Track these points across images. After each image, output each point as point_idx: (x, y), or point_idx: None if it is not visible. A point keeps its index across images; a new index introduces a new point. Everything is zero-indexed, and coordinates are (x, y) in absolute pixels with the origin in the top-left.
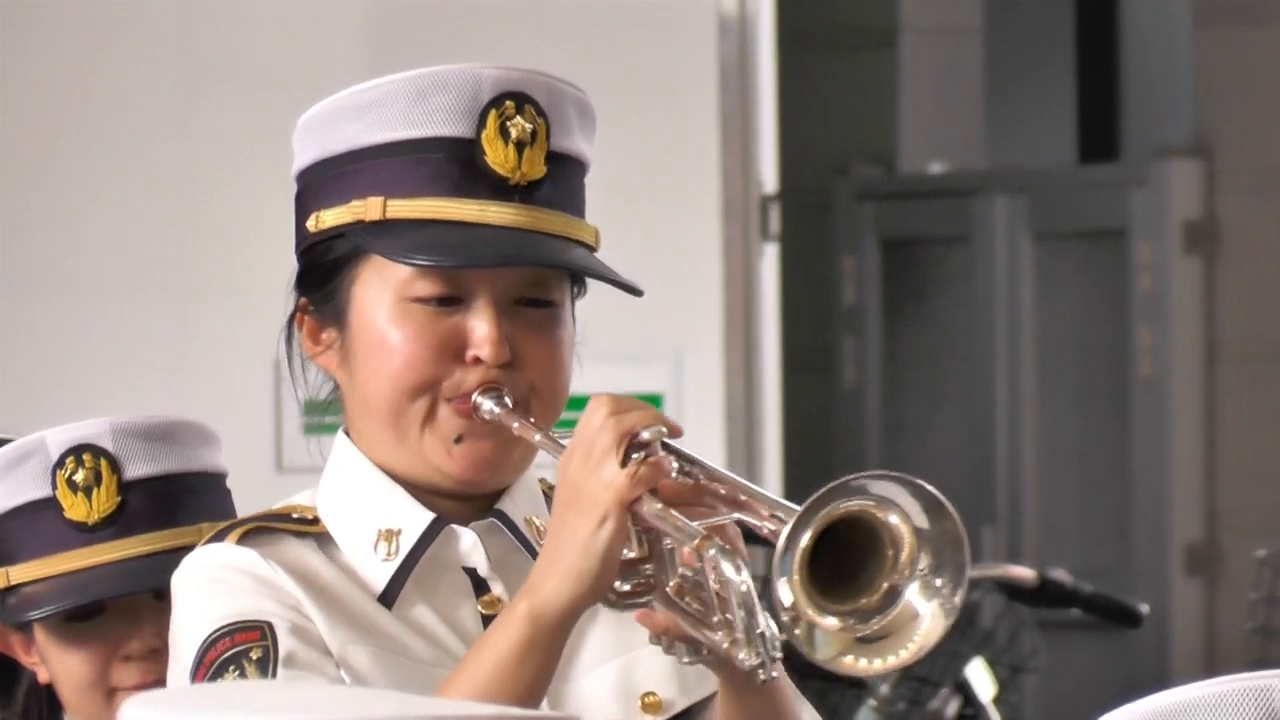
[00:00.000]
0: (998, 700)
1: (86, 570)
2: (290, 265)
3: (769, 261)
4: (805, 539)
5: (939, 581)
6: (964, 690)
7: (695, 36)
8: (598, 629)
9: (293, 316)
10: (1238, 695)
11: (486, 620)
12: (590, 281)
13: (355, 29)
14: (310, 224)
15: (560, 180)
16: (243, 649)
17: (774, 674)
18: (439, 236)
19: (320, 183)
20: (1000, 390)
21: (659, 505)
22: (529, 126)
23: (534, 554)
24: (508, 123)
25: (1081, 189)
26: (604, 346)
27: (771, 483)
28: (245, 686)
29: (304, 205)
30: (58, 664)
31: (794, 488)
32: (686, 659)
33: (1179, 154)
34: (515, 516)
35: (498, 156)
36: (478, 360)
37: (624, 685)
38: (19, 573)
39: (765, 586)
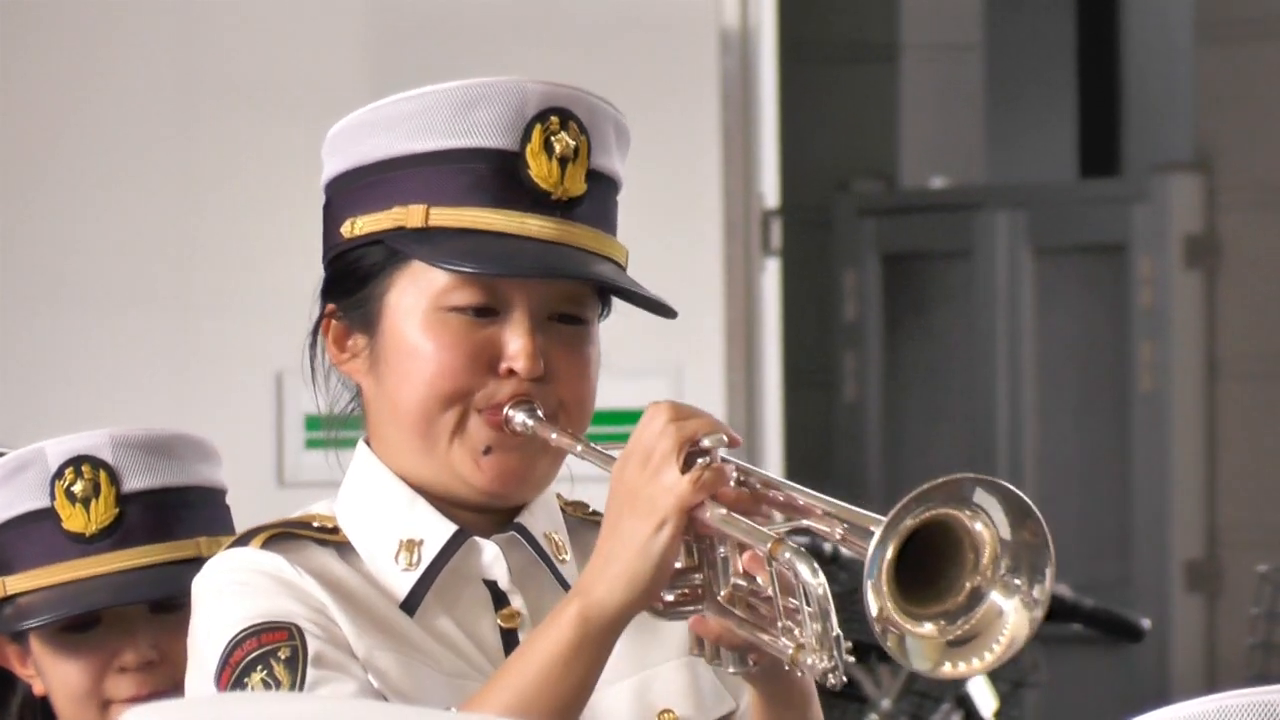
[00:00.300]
0: (999, 715)
1: (83, 581)
2: (290, 278)
3: (770, 276)
4: (891, 548)
5: (1019, 580)
6: (965, 705)
7: (696, 51)
8: (620, 643)
9: (319, 323)
10: (1242, 710)
11: (505, 633)
12: None
13: (356, 42)
14: (345, 229)
15: (598, 198)
16: (270, 649)
17: (843, 678)
18: (480, 246)
19: (357, 189)
20: (1001, 405)
21: (723, 510)
22: (572, 143)
23: (553, 568)
24: (552, 138)
25: (1082, 204)
26: (605, 361)
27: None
28: (248, 700)
29: (336, 212)
30: (53, 675)
31: None
32: (732, 669)
33: (1180, 169)
34: (535, 531)
35: (541, 170)
36: (511, 372)
37: (641, 701)
38: (16, 583)
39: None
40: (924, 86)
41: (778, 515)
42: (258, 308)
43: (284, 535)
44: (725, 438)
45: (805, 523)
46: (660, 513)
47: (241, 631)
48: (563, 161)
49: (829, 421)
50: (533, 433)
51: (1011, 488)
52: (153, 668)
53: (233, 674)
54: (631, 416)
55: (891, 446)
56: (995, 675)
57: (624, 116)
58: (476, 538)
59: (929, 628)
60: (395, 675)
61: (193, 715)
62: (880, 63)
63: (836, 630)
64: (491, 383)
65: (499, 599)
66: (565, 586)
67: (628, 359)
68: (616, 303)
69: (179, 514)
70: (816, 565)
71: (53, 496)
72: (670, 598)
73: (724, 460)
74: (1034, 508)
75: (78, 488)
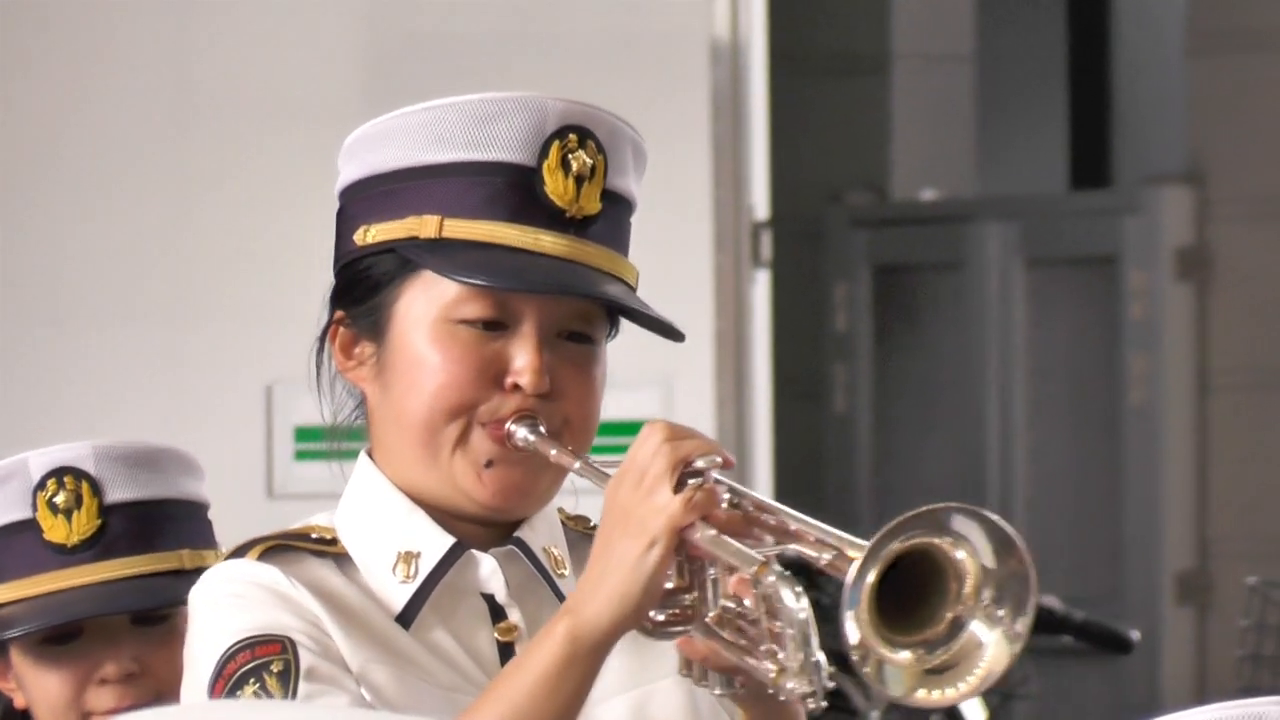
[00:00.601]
0: None
1: (64, 592)
2: (282, 290)
3: (761, 288)
4: (873, 574)
5: (1001, 611)
6: (955, 717)
7: (687, 63)
8: (614, 660)
9: (326, 330)
10: None
11: (502, 647)
12: None
13: (350, 59)
14: (358, 237)
15: (612, 218)
16: (263, 662)
17: (823, 704)
18: (493, 259)
19: (371, 198)
20: (992, 417)
21: (713, 532)
22: (589, 161)
23: (551, 583)
24: (569, 155)
25: (1073, 216)
26: None
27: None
28: (228, 707)
29: (349, 219)
30: (34, 686)
31: None
32: (718, 690)
33: (1171, 181)
34: (534, 545)
35: (557, 187)
36: (516, 387)
37: (639, 717)
38: None
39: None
40: (915, 98)
41: (769, 538)
42: (248, 319)
43: (281, 547)
44: (719, 459)
45: (794, 547)
46: (651, 533)
47: (235, 644)
48: (579, 180)
49: (819, 433)
50: (534, 448)
51: (995, 518)
52: (134, 680)
53: (226, 686)
54: (621, 428)
55: (882, 458)
56: None
57: (643, 138)
58: (474, 551)
59: (907, 655)
60: (389, 689)
61: None
62: (871, 74)
63: (817, 656)
64: (496, 397)
65: (496, 612)
66: (563, 600)
67: (618, 370)
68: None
69: (161, 526)
70: (800, 590)
71: (34, 507)
72: (661, 617)
73: (717, 481)
74: (1018, 539)
75: (60, 499)
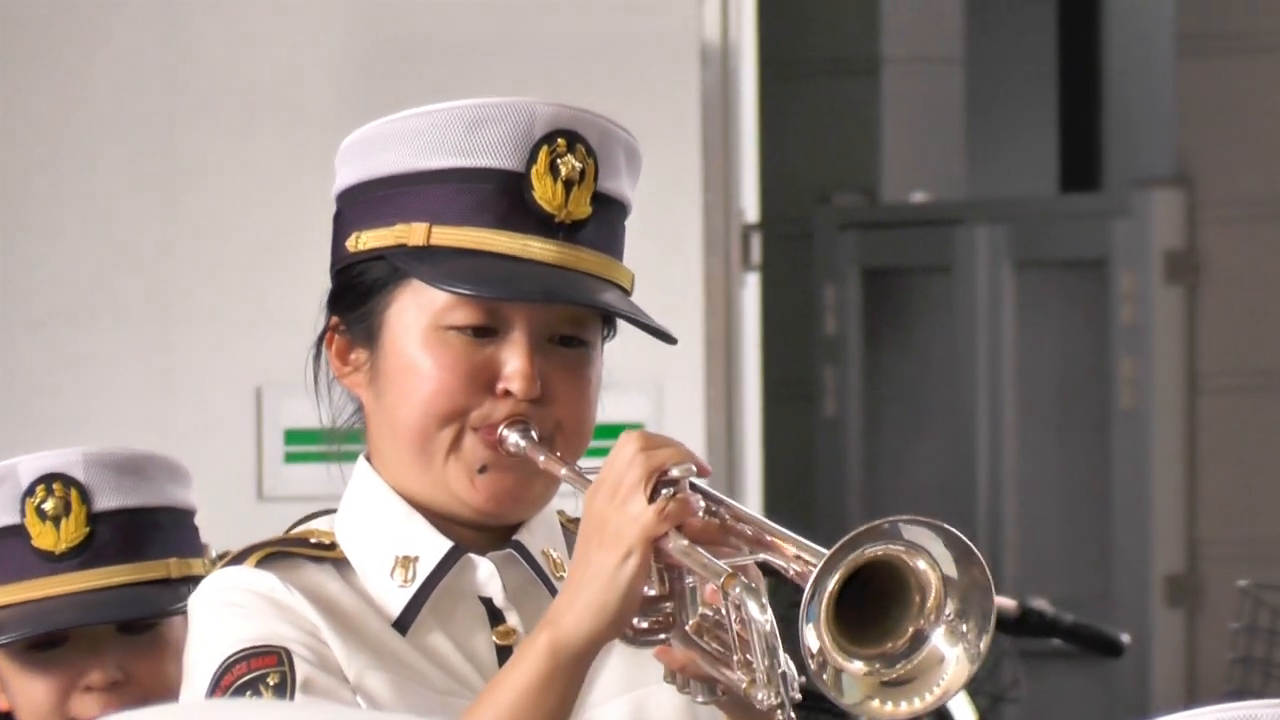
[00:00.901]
0: None
1: (51, 599)
2: (270, 292)
3: (750, 291)
4: (832, 583)
5: (965, 627)
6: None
7: (677, 66)
8: (612, 662)
9: (323, 335)
10: None
11: (501, 650)
12: None
13: (338, 61)
14: (350, 243)
15: (603, 221)
16: (259, 674)
17: (791, 715)
18: (481, 267)
19: (363, 203)
20: (981, 420)
21: (685, 542)
22: (578, 166)
23: (550, 586)
24: (558, 160)
25: (1063, 219)
26: None
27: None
28: (223, 707)
29: (343, 225)
30: (18, 692)
31: (775, 517)
32: (701, 698)
33: (1161, 184)
34: (532, 548)
35: (545, 193)
36: (507, 393)
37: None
38: None
39: (786, 626)
40: (905, 101)
41: (746, 547)
42: (238, 321)
43: (278, 554)
44: (694, 468)
45: (763, 556)
46: (626, 543)
47: (232, 655)
48: (568, 184)
49: (809, 436)
50: (524, 454)
51: (953, 530)
52: (119, 688)
53: (223, 697)
54: (611, 431)
55: (871, 461)
56: (974, 690)
57: (636, 139)
58: (472, 555)
59: (864, 666)
60: (386, 696)
61: None
62: (861, 77)
63: (784, 667)
64: (488, 402)
65: (495, 616)
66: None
67: (607, 373)
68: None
69: (149, 534)
70: (765, 602)
71: (23, 513)
72: (643, 624)
73: (696, 490)
74: (976, 550)
75: (48, 505)
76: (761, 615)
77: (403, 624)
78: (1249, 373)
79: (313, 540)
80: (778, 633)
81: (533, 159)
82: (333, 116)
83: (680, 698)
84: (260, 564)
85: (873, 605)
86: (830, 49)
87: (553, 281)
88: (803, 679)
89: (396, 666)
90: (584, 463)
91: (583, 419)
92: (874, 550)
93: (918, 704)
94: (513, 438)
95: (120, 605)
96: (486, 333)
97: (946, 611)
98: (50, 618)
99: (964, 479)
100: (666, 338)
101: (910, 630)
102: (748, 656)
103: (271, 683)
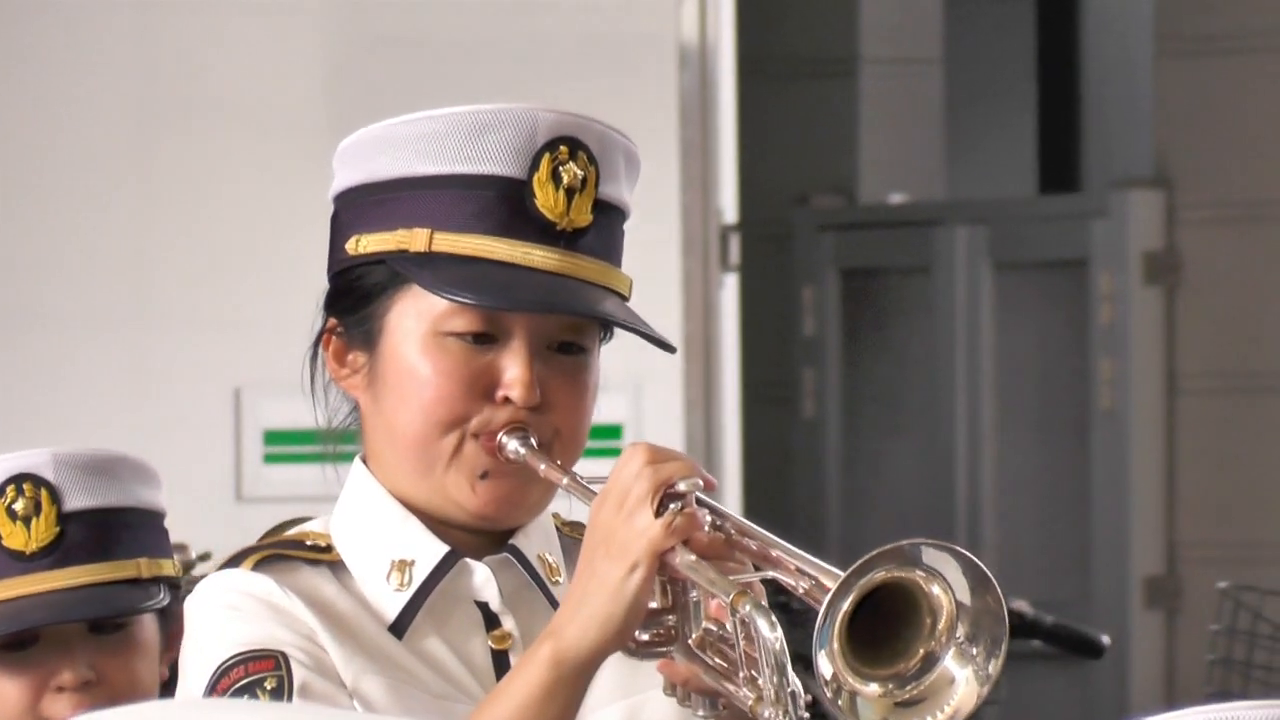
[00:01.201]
0: None
1: (21, 599)
2: (249, 293)
3: (729, 292)
4: (846, 606)
5: (975, 650)
6: None
7: (655, 67)
8: (608, 669)
9: (320, 337)
10: None
11: (496, 655)
12: None
13: (317, 64)
14: (350, 246)
15: (604, 228)
16: (256, 678)
17: None
18: (482, 274)
19: (363, 206)
20: (960, 421)
21: (691, 557)
22: (580, 173)
23: (546, 590)
24: (560, 167)
25: (1042, 220)
26: None
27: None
28: (211, 706)
29: (342, 227)
30: None
31: (754, 518)
32: (701, 713)
33: (1139, 185)
34: (529, 552)
35: (547, 201)
36: (507, 400)
37: None
38: None
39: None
40: (883, 101)
41: (751, 563)
42: (217, 323)
43: (275, 557)
44: (701, 482)
45: (772, 574)
46: (632, 556)
47: (229, 659)
48: (569, 192)
49: (788, 437)
50: (524, 461)
51: (970, 555)
52: (90, 688)
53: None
54: (593, 432)
55: (850, 462)
56: None
57: (635, 145)
58: (468, 559)
59: (878, 688)
60: (382, 700)
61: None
62: (839, 78)
63: (792, 686)
64: (488, 409)
65: (490, 620)
66: (558, 607)
67: None
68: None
69: (118, 534)
70: (775, 620)
71: None
72: (645, 637)
73: (702, 504)
74: (991, 576)
75: (19, 505)
76: (771, 633)
77: (399, 628)
78: (1228, 374)
79: (309, 543)
80: (787, 650)
81: (534, 166)
82: (309, 119)
83: (677, 706)
84: (257, 567)
85: (884, 624)
86: (808, 50)
87: (552, 290)
88: (809, 697)
89: (392, 670)
90: (584, 470)
91: (579, 426)
92: (887, 574)
93: None
94: (512, 445)
95: (91, 604)
96: (486, 339)
97: (958, 635)
98: (21, 617)
99: (943, 480)
100: (665, 346)
101: (921, 652)
102: (754, 673)
103: (269, 687)
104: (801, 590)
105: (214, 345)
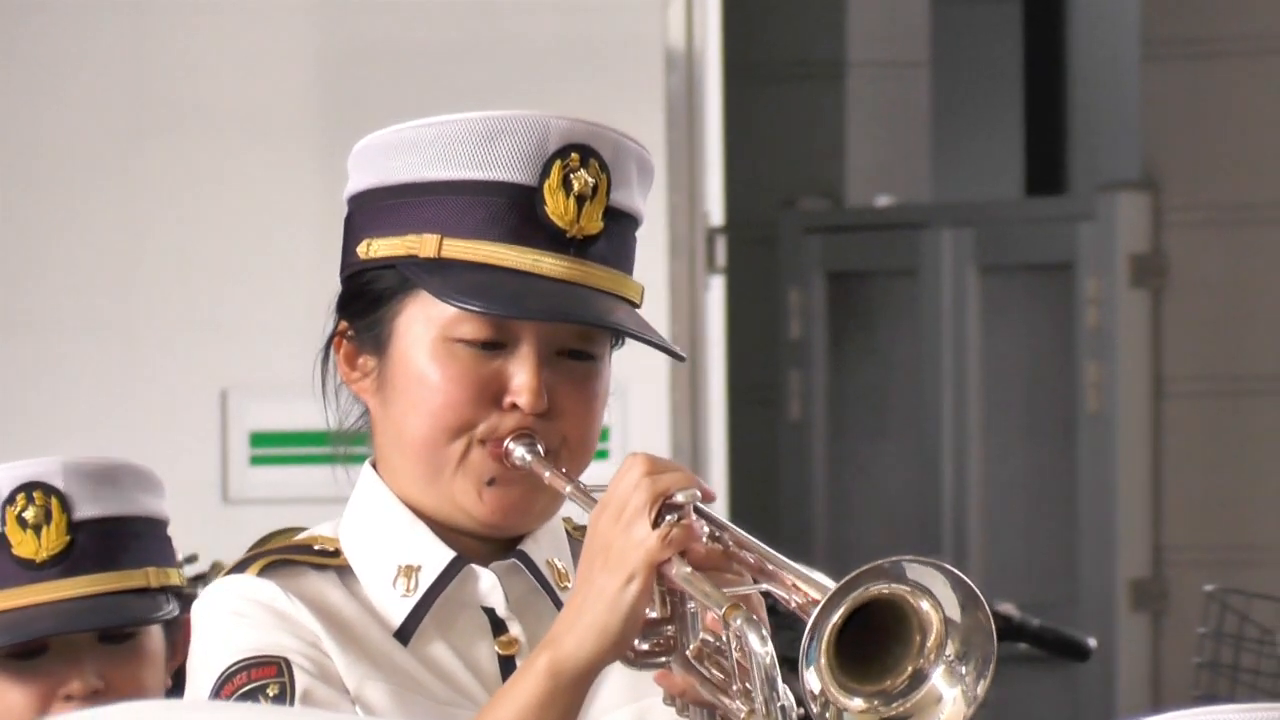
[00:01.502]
0: None
1: (30, 608)
2: (236, 296)
3: (715, 294)
4: (833, 622)
5: (964, 669)
6: None
7: (642, 70)
8: (614, 674)
9: (331, 338)
10: None
11: (503, 660)
12: None
13: (304, 68)
14: (361, 250)
15: (615, 235)
16: (259, 685)
17: None
18: (491, 282)
19: (375, 210)
20: (946, 424)
21: (688, 569)
22: (591, 181)
23: (553, 595)
24: (571, 175)
25: (1028, 223)
26: None
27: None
28: (215, 709)
29: (354, 229)
30: None
31: (739, 521)
32: None
33: (1126, 188)
34: (537, 558)
35: (558, 208)
36: (515, 406)
37: None
38: None
39: (784, 658)
40: (870, 105)
41: (749, 575)
42: (203, 325)
43: (281, 562)
44: (699, 493)
45: (765, 586)
46: (629, 567)
47: (232, 665)
48: (580, 199)
49: (774, 440)
50: (530, 468)
51: (959, 573)
52: (99, 697)
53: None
54: None
55: (836, 465)
56: None
57: (649, 152)
58: (474, 565)
59: (863, 704)
60: (385, 706)
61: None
62: (826, 81)
63: (783, 700)
64: (495, 415)
65: (497, 626)
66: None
67: None
68: None
69: (127, 544)
70: (766, 634)
71: (3, 522)
72: (645, 647)
73: (702, 514)
74: (979, 593)
75: (29, 514)
76: (762, 647)
77: (404, 634)
78: (1215, 377)
79: (317, 547)
80: (777, 665)
81: (545, 173)
82: (297, 123)
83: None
84: (262, 572)
85: (873, 640)
86: (795, 53)
87: (562, 299)
88: (801, 711)
89: (397, 676)
90: (590, 478)
91: (587, 433)
92: (876, 589)
93: None
94: (519, 451)
95: (101, 614)
96: (495, 346)
97: (947, 652)
98: (31, 626)
99: (929, 483)
100: (675, 355)
101: (910, 669)
102: (747, 686)
103: (271, 693)
104: (794, 604)
105: (201, 347)
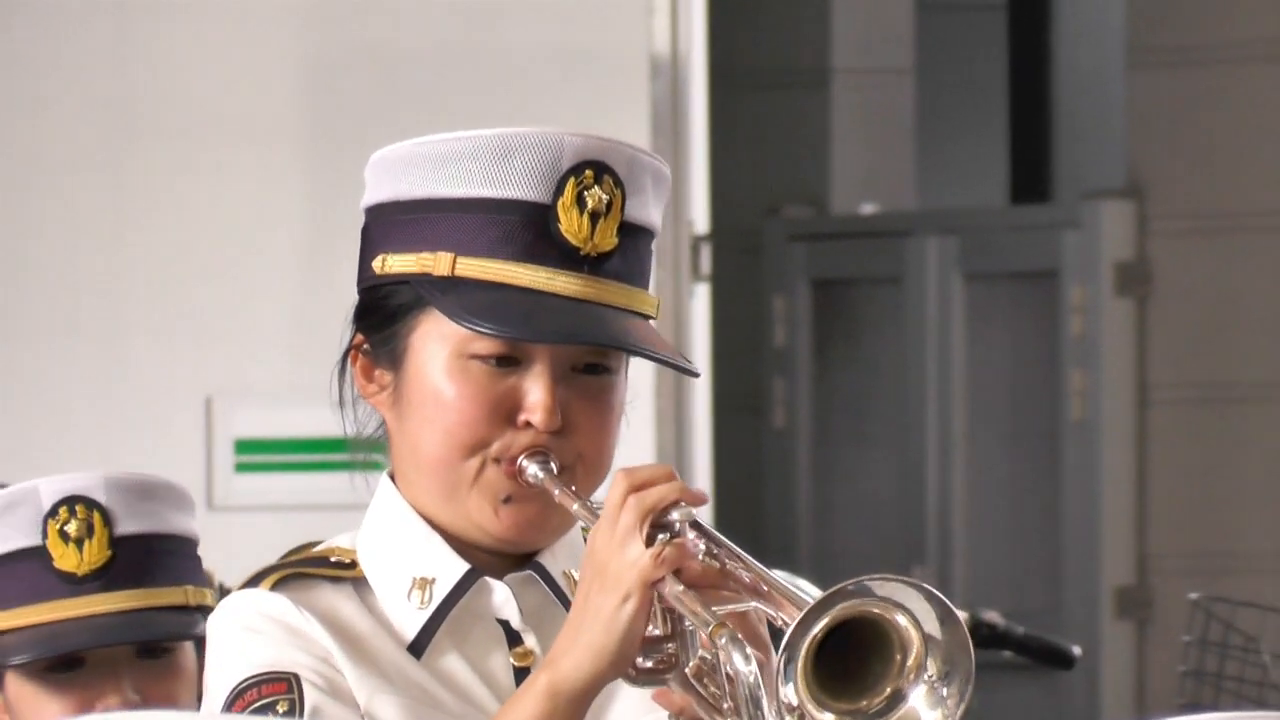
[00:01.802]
0: None
1: (70, 621)
2: (220, 302)
3: (700, 302)
4: (810, 638)
5: (946, 691)
6: None
7: (627, 77)
8: (626, 690)
9: (348, 351)
10: None
11: (518, 672)
12: None
13: (290, 73)
14: (376, 265)
15: (630, 251)
16: (269, 701)
17: None
18: (504, 302)
19: (390, 224)
20: (931, 432)
21: (680, 588)
22: (605, 197)
23: (569, 607)
24: (585, 192)
25: (1013, 230)
26: None
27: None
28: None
29: (371, 243)
30: (32, 715)
31: (724, 529)
32: None
33: (1111, 196)
34: (553, 569)
35: (571, 225)
36: (528, 424)
37: None
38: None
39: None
40: (855, 113)
41: (744, 593)
42: (188, 331)
43: (295, 576)
44: (694, 511)
45: (754, 604)
46: (624, 587)
47: (243, 681)
48: (594, 216)
49: (758, 447)
50: (542, 485)
51: (935, 591)
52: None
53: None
54: None
55: (821, 472)
56: None
57: (665, 164)
58: (488, 578)
59: (832, 719)
60: None
61: None
62: (811, 88)
63: (769, 717)
64: (509, 433)
65: (513, 638)
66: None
67: None
68: None
69: (165, 561)
70: (750, 653)
71: (45, 535)
72: (649, 664)
73: (700, 528)
74: (954, 608)
75: (71, 527)
76: (745, 666)
77: (417, 647)
78: (1199, 385)
79: (333, 559)
80: (761, 684)
81: (559, 190)
82: (283, 129)
83: None
84: (276, 586)
85: (856, 657)
86: (780, 60)
87: (575, 318)
88: None
89: (409, 690)
90: (601, 495)
91: (603, 449)
92: (856, 607)
93: None
94: (532, 469)
95: (135, 628)
96: (509, 362)
97: (929, 673)
98: (70, 639)
99: (913, 491)
100: (689, 373)
101: (888, 690)
102: (737, 704)
103: (281, 710)
104: (781, 622)
105: (185, 354)
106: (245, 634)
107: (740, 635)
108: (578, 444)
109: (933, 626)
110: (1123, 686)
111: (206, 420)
